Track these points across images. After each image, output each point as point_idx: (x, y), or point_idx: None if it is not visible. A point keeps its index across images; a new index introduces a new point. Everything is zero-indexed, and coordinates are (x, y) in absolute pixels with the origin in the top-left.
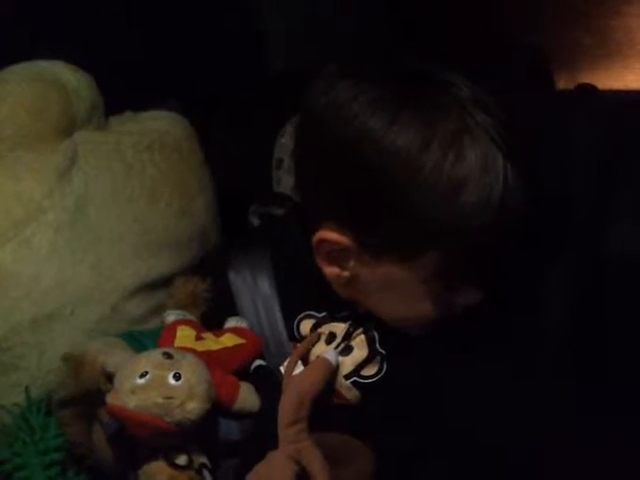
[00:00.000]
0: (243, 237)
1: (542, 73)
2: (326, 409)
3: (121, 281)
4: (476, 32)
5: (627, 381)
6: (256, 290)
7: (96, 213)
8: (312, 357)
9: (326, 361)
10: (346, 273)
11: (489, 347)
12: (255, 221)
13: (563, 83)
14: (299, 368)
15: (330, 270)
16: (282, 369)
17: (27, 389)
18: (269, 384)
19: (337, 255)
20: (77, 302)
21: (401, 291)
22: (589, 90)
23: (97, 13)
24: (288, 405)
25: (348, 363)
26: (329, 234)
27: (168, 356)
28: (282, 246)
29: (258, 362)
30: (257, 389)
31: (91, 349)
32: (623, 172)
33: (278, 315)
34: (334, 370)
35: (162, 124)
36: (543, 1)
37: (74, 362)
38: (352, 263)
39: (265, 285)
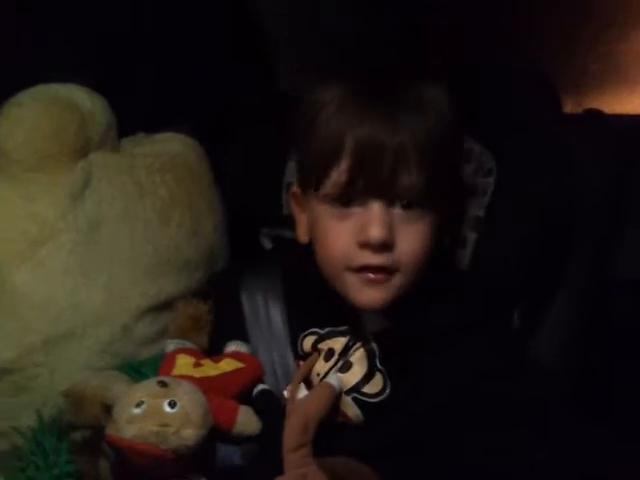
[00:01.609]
0: (255, 259)
1: (549, 97)
2: (331, 431)
3: (132, 301)
4: (483, 57)
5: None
6: (267, 312)
7: (109, 234)
8: (313, 374)
9: (329, 386)
10: (304, 217)
11: (497, 382)
12: (267, 243)
13: (570, 108)
14: (303, 392)
15: (300, 217)
16: (285, 393)
17: (38, 412)
18: (273, 408)
19: (299, 202)
20: (89, 322)
21: (319, 227)
22: (596, 115)
23: (110, 36)
24: (292, 430)
25: (348, 380)
26: (294, 187)
27: (163, 384)
28: (292, 268)
29: (261, 387)
30: (260, 413)
31: (91, 385)
32: (630, 196)
33: (285, 337)
34: (337, 394)
35: (174, 146)
36: (550, 26)
37: (74, 398)
38: (305, 208)
39: (276, 308)
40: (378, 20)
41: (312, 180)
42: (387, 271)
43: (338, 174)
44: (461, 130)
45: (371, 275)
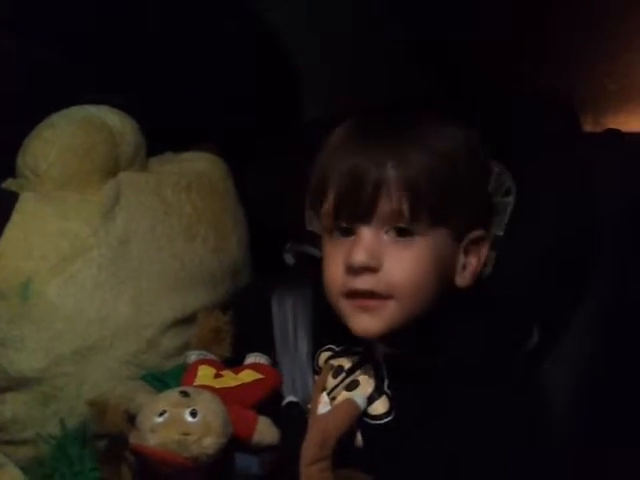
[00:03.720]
0: (283, 274)
1: (569, 116)
2: (345, 450)
3: (158, 315)
4: (503, 78)
5: None
6: (294, 327)
7: (137, 249)
8: (327, 388)
9: (353, 404)
10: None
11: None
12: (289, 259)
13: (589, 127)
14: (326, 406)
15: None
16: (309, 407)
17: (62, 420)
18: (296, 421)
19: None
20: (116, 335)
21: (323, 255)
22: (616, 135)
23: (141, 59)
24: (312, 443)
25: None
26: None
27: (185, 394)
28: (316, 285)
29: (290, 398)
30: (285, 425)
31: (114, 395)
32: None
33: (308, 352)
34: (359, 413)
35: (200, 165)
36: (569, 46)
37: (98, 408)
38: None
39: (302, 323)
40: (407, 52)
41: (314, 212)
42: (379, 297)
43: (327, 205)
44: (472, 160)
45: (361, 301)
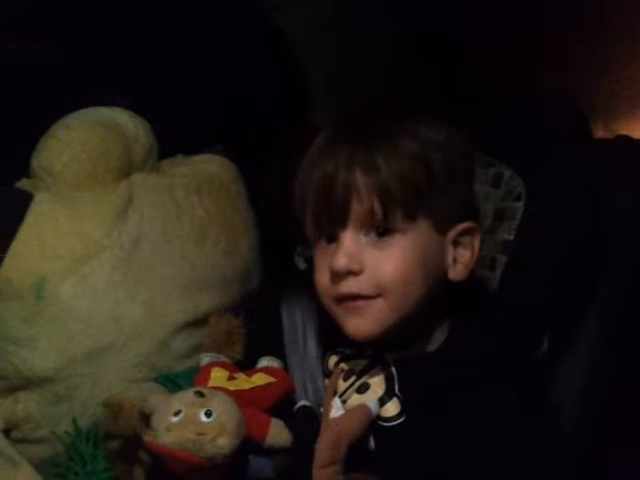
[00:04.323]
0: (293, 278)
1: (579, 122)
2: (358, 454)
3: (170, 317)
4: (513, 83)
5: None
6: (304, 330)
7: (149, 251)
8: (338, 392)
9: (366, 408)
10: None
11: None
12: (300, 263)
13: (600, 133)
14: (339, 410)
15: None
16: (321, 410)
17: (75, 420)
18: (309, 424)
19: None
20: (129, 336)
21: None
22: (627, 141)
23: (154, 63)
24: (325, 446)
25: (363, 401)
26: None
27: (200, 395)
28: None
29: (303, 402)
30: (297, 428)
31: (129, 395)
32: None
33: (317, 356)
34: (373, 418)
35: (211, 167)
36: (580, 52)
37: (113, 408)
38: None
39: (311, 326)
40: (411, 56)
41: (303, 221)
42: (367, 298)
43: (308, 213)
44: (450, 158)
45: (349, 303)
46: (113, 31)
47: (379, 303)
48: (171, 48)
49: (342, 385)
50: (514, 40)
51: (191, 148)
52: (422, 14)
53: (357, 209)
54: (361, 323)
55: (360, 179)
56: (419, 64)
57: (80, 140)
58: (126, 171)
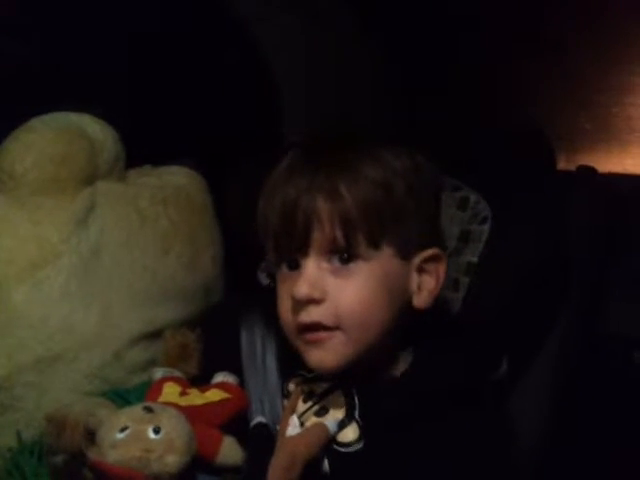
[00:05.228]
0: (254, 295)
1: (544, 152)
2: (311, 477)
3: (126, 328)
4: (481, 115)
5: None
6: (263, 349)
7: (109, 260)
8: (296, 412)
9: (324, 427)
10: None
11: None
12: (263, 279)
13: (563, 164)
14: (295, 429)
15: None
16: (278, 428)
17: (18, 432)
18: (264, 442)
19: None
20: (81, 346)
21: None
22: (589, 172)
23: (125, 73)
24: (279, 465)
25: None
26: None
27: (148, 410)
28: None
29: (259, 419)
30: (252, 446)
31: (74, 410)
32: (621, 253)
33: (277, 376)
34: (330, 438)
35: (178, 179)
36: (546, 87)
37: (56, 423)
38: None
39: (271, 345)
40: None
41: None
42: (326, 329)
43: (269, 239)
44: (414, 185)
45: (310, 335)
46: (85, 39)
47: (339, 336)
48: (143, 58)
49: (301, 406)
50: (485, 77)
51: (160, 160)
52: (396, 41)
53: (319, 236)
54: (324, 356)
55: (322, 206)
56: (393, 89)
57: (44, 144)
58: (90, 178)
